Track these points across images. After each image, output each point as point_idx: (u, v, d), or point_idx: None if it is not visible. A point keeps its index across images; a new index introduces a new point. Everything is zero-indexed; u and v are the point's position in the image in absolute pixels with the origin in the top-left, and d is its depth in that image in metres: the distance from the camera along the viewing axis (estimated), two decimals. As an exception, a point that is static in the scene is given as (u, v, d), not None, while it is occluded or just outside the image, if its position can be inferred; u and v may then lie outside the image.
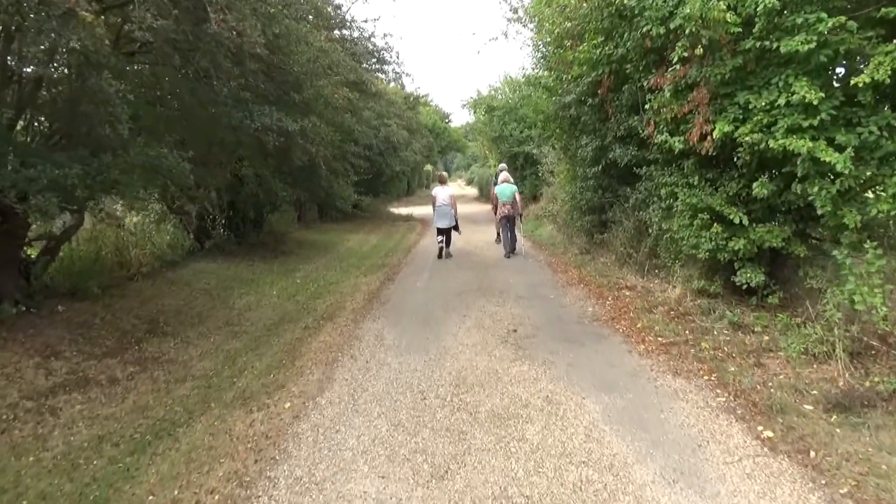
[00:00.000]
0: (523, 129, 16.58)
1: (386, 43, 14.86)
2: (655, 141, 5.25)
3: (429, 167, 44.93)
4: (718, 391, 3.76)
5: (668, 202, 5.46)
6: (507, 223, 9.78)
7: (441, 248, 9.99)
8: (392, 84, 16.74)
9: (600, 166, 7.63)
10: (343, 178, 10.70)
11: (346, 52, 9.53)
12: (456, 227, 10.08)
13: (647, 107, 5.20)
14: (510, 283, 7.63)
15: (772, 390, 3.68)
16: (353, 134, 10.91)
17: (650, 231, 6.66)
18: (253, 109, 5.75)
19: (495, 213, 10.02)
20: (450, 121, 34.41)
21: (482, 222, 16.88)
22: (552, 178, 15.24)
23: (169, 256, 8.78)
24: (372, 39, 11.15)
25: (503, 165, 11.22)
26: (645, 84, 5.37)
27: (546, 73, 8.38)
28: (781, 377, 3.86)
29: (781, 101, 4.11)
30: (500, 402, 3.71)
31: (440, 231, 9.99)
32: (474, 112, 18.31)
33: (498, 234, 10.43)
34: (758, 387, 3.75)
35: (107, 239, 7.59)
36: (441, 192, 9.99)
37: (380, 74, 12.14)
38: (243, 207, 10.63)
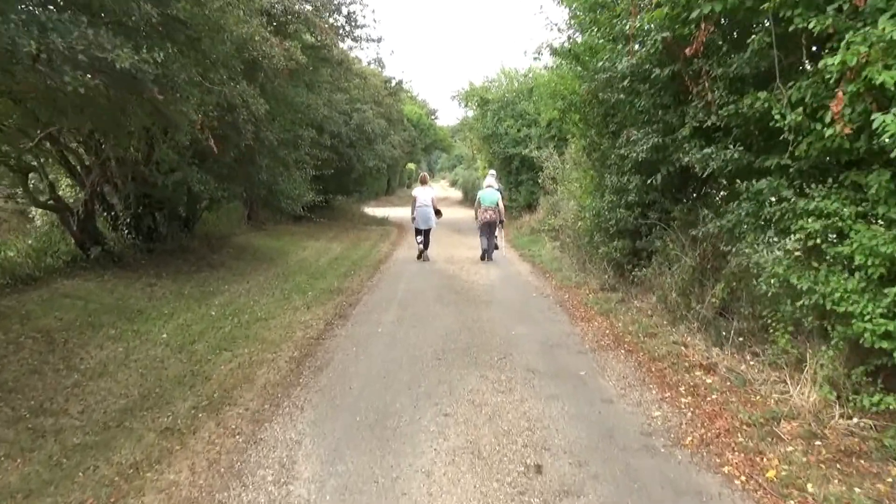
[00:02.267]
0: (520, 127, 14.28)
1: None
2: (835, 130, 2.90)
3: (411, 165, 42.44)
4: None
5: (811, 242, 3.15)
6: (487, 228, 9.53)
7: (420, 250, 9.78)
8: (371, 65, 14.27)
9: (654, 175, 5.27)
10: (295, 170, 8.21)
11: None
12: (438, 213, 9.93)
13: (828, 63, 2.77)
14: (514, 338, 5.26)
15: None
16: (311, 115, 8.40)
17: (735, 276, 4.36)
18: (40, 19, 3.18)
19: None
20: (436, 117, 32.02)
21: (467, 231, 14.57)
22: (552, 185, 12.98)
23: (35, 267, 6.21)
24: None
25: (493, 172, 10.79)
26: (811, 25, 3.01)
27: (587, 34, 5.99)
28: None
29: None
30: None
31: (419, 232, 9.72)
32: (465, 105, 15.97)
33: (483, 251, 9.76)
34: None
35: None
36: (422, 193, 9.70)
37: (350, 42, 9.69)
38: (165, 202, 8.01)
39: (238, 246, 10.13)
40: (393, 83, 14.33)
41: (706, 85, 3.96)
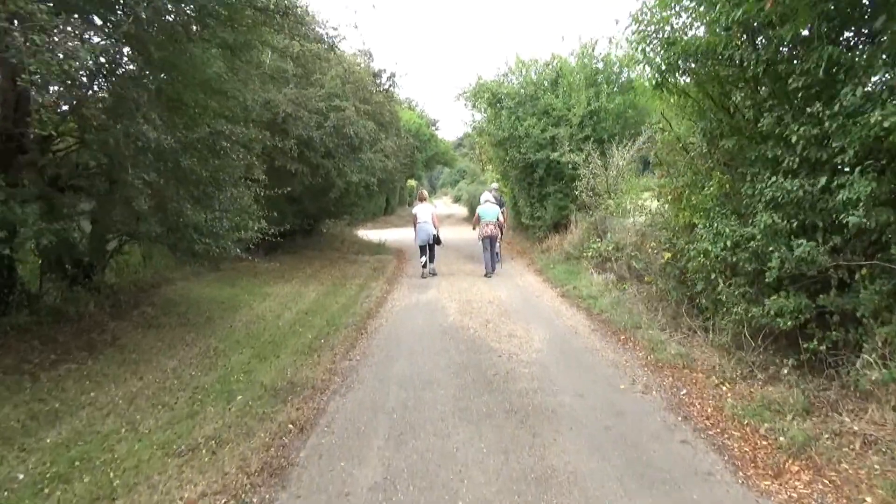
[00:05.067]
0: (545, 126, 11.35)
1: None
2: None
3: (412, 182, 39.62)
4: None
5: None
6: (489, 243, 9.76)
7: (424, 267, 9.76)
8: (358, 58, 11.43)
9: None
10: (227, 190, 5.21)
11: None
12: (437, 241, 9.90)
13: None
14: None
15: None
16: (243, 98, 5.43)
17: None
18: None
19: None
20: (437, 128, 29.23)
21: (481, 259, 11.70)
22: (592, 198, 10.02)
23: None
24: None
25: (494, 185, 11.32)
26: None
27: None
28: None
29: None
30: None
31: (423, 250, 9.76)
32: (473, 104, 13.08)
33: (486, 266, 9.84)
34: None
35: None
36: (422, 210, 9.72)
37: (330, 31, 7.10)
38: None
39: (167, 300, 7.16)
40: (384, 77, 11.41)
41: None
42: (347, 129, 8.40)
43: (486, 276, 9.62)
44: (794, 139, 3.23)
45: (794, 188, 3.27)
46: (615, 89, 11.44)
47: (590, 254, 9.16)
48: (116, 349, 5.22)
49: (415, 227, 9.60)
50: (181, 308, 6.87)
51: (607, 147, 10.49)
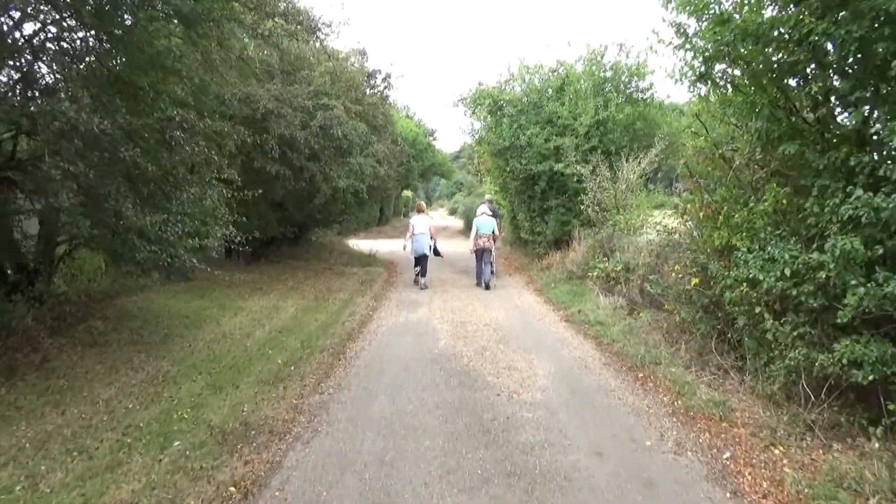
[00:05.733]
0: (549, 136, 10.67)
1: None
2: None
3: (408, 193, 38.89)
4: None
5: None
6: (483, 255, 9.69)
7: (417, 277, 9.69)
8: (350, 59, 10.73)
9: None
10: (186, 190, 4.44)
11: None
12: (436, 252, 10.02)
13: None
14: None
15: None
16: (203, 81, 4.67)
17: None
18: None
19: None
20: (434, 138, 28.59)
21: (475, 275, 10.98)
22: (597, 213, 9.33)
23: None
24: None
25: (489, 197, 11.21)
26: None
27: None
28: None
29: None
30: None
31: (417, 262, 9.67)
32: (473, 111, 12.40)
33: (479, 277, 9.91)
34: None
35: None
36: (419, 222, 9.67)
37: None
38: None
39: (123, 313, 6.34)
40: (379, 78, 10.65)
41: None
42: (335, 129, 7.65)
43: (478, 286, 9.68)
44: (894, 141, 2.51)
45: (889, 205, 2.54)
46: (623, 99, 10.79)
47: (595, 273, 8.44)
48: (43, 373, 4.40)
49: (410, 237, 9.53)
50: (136, 323, 6.05)
51: (615, 159, 9.83)
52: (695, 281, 4.81)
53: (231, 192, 6.08)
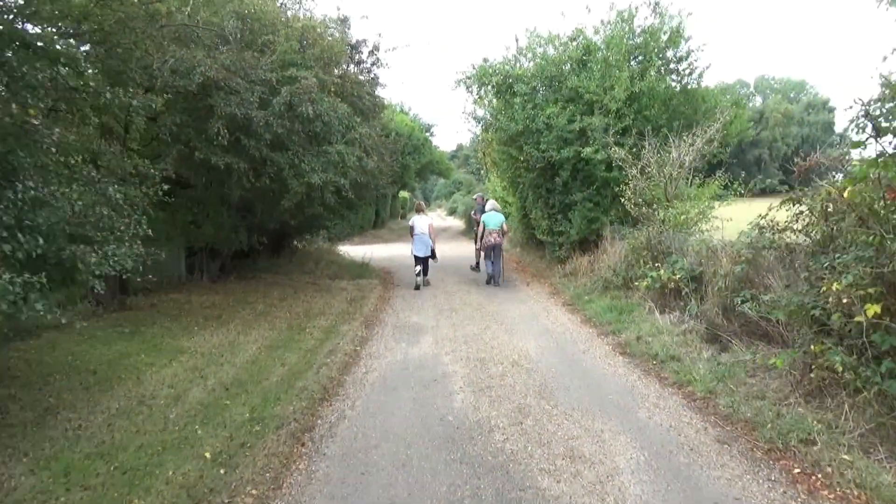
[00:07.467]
0: (574, 114, 8.78)
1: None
2: None
3: (405, 194, 36.93)
4: None
5: None
6: (493, 252, 9.32)
7: (418, 278, 9.47)
8: (330, 29, 8.78)
9: None
10: (42, 187, 2.69)
11: None
12: (433, 256, 9.88)
13: None
14: None
15: None
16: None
17: None
18: None
19: (476, 243, 10.11)
20: (432, 133, 26.64)
21: (488, 288, 9.14)
22: (640, 209, 7.45)
23: None
24: None
25: (493, 203, 10.04)
26: None
27: None
28: None
29: None
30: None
31: (418, 261, 9.57)
32: (477, 91, 10.50)
33: (477, 263, 10.48)
34: None
35: None
36: (419, 222, 9.60)
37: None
38: None
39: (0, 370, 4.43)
40: (365, 51, 8.64)
41: None
42: (305, 107, 5.75)
43: (487, 283, 9.49)
44: None
45: None
46: (662, 69, 8.91)
47: (646, 284, 6.57)
48: None
49: (412, 236, 9.68)
50: (9, 385, 4.15)
51: (654, 141, 7.95)
52: (873, 309, 2.93)
53: (149, 190, 4.20)
